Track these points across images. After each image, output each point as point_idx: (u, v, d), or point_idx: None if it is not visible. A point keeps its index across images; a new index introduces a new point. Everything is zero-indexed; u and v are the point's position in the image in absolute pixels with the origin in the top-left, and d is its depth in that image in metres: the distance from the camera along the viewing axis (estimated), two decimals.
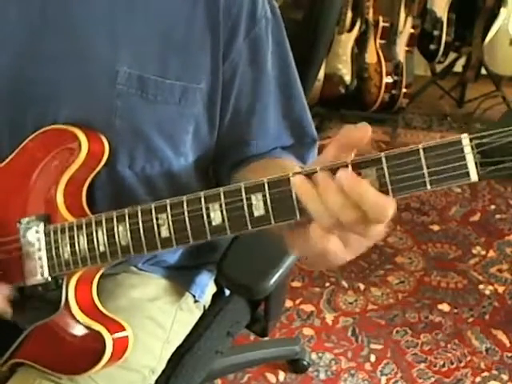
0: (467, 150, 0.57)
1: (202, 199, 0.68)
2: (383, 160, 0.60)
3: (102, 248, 0.75)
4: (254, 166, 0.91)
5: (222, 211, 0.67)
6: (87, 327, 0.80)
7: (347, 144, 0.61)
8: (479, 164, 0.57)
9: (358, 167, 0.61)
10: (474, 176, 0.57)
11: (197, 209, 0.68)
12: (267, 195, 0.64)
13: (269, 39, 0.88)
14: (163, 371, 1.00)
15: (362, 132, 0.60)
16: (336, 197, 0.59)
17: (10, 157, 0.86)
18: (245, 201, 0.65)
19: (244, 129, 0.92)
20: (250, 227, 0.66)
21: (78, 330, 0.81)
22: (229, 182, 0.94)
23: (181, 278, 1.05)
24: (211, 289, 1.11)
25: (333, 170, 0.61)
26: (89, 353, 0.81)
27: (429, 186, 0.59)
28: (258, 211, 0.65)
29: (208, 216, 0.68)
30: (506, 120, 0.56)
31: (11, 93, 0.85)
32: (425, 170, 0.59)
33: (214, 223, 0.68)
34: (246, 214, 0.66)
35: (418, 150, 0.59)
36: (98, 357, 0.80)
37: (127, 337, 0.83)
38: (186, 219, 0.69)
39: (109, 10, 0.83)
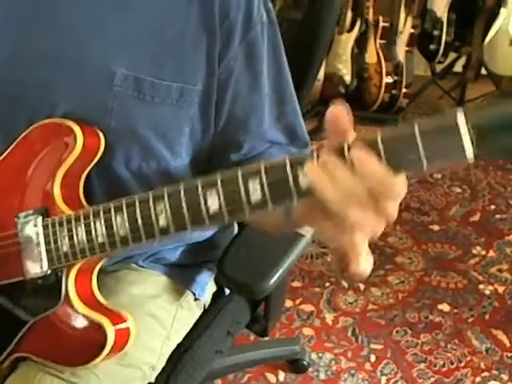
0: (463, 127, 0.57)
1: (199, 187, 0.68)
2: (379, 140, 0.60)
3: (100, 239, 0.76)
4: None
5: (219, 197, 0.67)
6: (88, 319, 0.80)
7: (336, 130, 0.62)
8: (475, 141, 0.57)
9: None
10: (469, 154, 0.57)
11: (194, 196, 0.68)
12: (264, 180, 0.64)
13: (264, 43, 0.88)
14: (163, 370, 1.00)
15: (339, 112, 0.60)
16: (347, 177, 0.59)
17: (6, 152, 0.86)
18: (242, 186, 0.65)
19: (239, 131, 0.92)
20: (247, 213, 0.66)
21: (79, 322, 0.81)
22: None
23: (181, 275, 1.05)
24: (211, 287, 1.11)
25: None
26: (90, 344, 0.81)
27: (425, 166, 0.59)
28: (255, 196, 0.65)
29: (205, 203, 0.68)
30: (500, 98, 0.56)
31: (4, 92, 0.85)
32: (420, 150, 0.58)
33: (211, 210, 0.68)
34: (244, 200, 0.66)
35: (414, 128, 0.59)
36: (99, 348, 0.80)
37: (128, 328, 0.83)
38: (184, 207, 0.69)
39: (101, 10, 0.83)
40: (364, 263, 0.62)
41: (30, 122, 0.84)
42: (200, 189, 0.68)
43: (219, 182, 0.67)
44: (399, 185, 0.59)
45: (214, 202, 0.67)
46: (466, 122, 0.57)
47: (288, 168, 0.63)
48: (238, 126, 0.91)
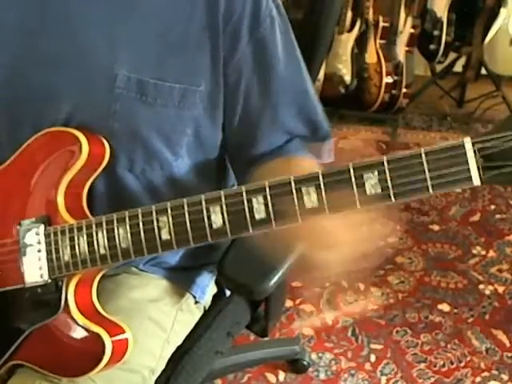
0: (470, 154, 0.57)
1: (203, 202, 0.68)
2: (385, 164, 0.60)
3: (102, 250, 0.75)
4: (268, 167, 0.90)
5: (222, 214, 0.67)
6: (86, 329, 0.80)
7: None
8: (482, 168, 0.57)
9: (360, 170, 0.61)
10: (476, 180, 0.58)
11: (197, 211, 0.68)
12: (268, 198, 0.64)
13: (276, 37, 0.88)
14: (163, 371, 1.00)
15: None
16: None
17: (11, 159, 0.86)
18: (246, 203, 0.65)
19: (254, 128, 0.92)
20: (250, 230, 0.66)
21: (78, 332, 0.81)
22: (246, 181, 0.94)
23: (181, 278, 1.05)
24: (212, 289, 1.11)
25: (335, 174, 0.62)
26: (88, 355, 0.81)
27: (431, 190, 0.59)
28: (259, 214, 0.65)
29: (209, 218, 0.68)
30: (507, 124, 0.56)
31: (8, 94, 0.85)
32: (427, 174, 0.59)
33: (214, 226, 0.67)
34: (247, 217, 0.65)
35: (420, 153, 0.59)
36: (97, 359, 0.79)
37: (127, 339, 0.82)
38: (187, 222, 0.69)
39: (106, 13, 0.83)
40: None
41: (34, 125, 0.84)
42: (204, 204, 0.68)
43: (223, 198, 0.67)
44: None
45: (217, 218, 0.67)
46: (473, 148, 0.57)
47: (293, 187, 0.63)
48: (254, 122, 0.91)
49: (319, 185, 0.62)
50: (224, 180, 1.04)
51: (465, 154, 0.57)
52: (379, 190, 0.60)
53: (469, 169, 0.57)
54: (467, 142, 0.57)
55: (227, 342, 1.12)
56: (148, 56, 0.84)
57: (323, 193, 0.62)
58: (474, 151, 0.57)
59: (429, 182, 0.59)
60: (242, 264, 1.05)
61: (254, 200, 0.65)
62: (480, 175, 0.57)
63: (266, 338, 1.32)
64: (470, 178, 0.58)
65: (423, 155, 0.59)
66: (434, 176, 0.59)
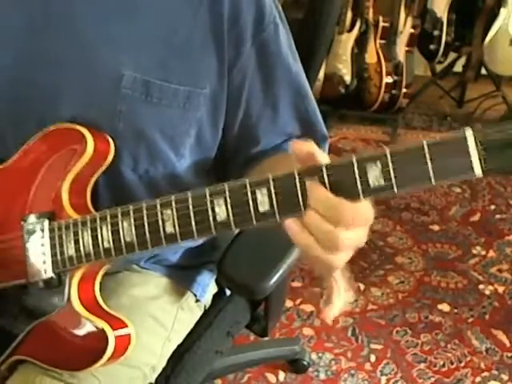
0: (471, 144, 0.58)
1: (207, 195, 0.68)
2: (388, 156, 0.61)
3: (106, 244, 0.76)
4: (266, 164, 0.92)
5: (226, 206, 0.67)
6: (89, 323, 0.80)
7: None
8: (483, 159, 0.58)
9: (364, 162, 0.61)
10: (478, 170, 0.58)
11: (202, 204, 0.69)
12: (272, 190, 0.65)
13: (278, 42, 0.89)
14: (163, 370, 1.00)
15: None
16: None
17: (16, 155, 0.87)
18: (250, 196, 0.66)
19: (254, 130, 0.93)
20: (254, 222, 0.66)
21: (81, 327, 0.81)
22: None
23: (182, 277, 1.05)
24: (212, 288, 1.11)
25: (338, 166, 0.63)
26: (91, 349, 0.81)
27: (433, 181, 0.60)
28: (263, 206, 0.65)
29: (213, 211, 0.68)
30: (508, 117, 0.57)
31: (12, 93, 0.85)
32: (429, 166, 0.59)
33: (218, 218, 0.68)
34: (251, 210, 0.66)
35: (423, 145, 0.60)
36: (100, 353, 0.80)
37: (129, 334, 0.83)
38: (191, 215, 0.69)
39: (106, 13, 0.83)
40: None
41: (39, 125, 0.85)
42: (208, 197, 0.68)
43: (227, 191, 0.67)
44: (352, 211, 0.62)
45: (221, 211, 0.68)
46: (474, 139, 0.58)
47: (297, 179, 0.64)
48: (254, 125, 0.92)
49: (323, 177, 0.63)
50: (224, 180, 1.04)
51: (466, 144, 0.58)
52: (382, 182, 0.61)
53: (470, 159, 0.58)
54: (468, 133, 0.58)
55: (227, 341, 1.12)
56: (153, 58, 0.84)
57: (327, 185, 0.63)
58: (476, 142, 0.58)
59: (431, 173, 0.60)
60: (242, 263, 1.05)
61: (257, 192, 0.65)
62: (481, 165, 0.58)
63: (266, 338, 1.32)
64: (471, 169, 0.58)
65: (425, 147, 0.60)
66: (436, 167, 0.59)
